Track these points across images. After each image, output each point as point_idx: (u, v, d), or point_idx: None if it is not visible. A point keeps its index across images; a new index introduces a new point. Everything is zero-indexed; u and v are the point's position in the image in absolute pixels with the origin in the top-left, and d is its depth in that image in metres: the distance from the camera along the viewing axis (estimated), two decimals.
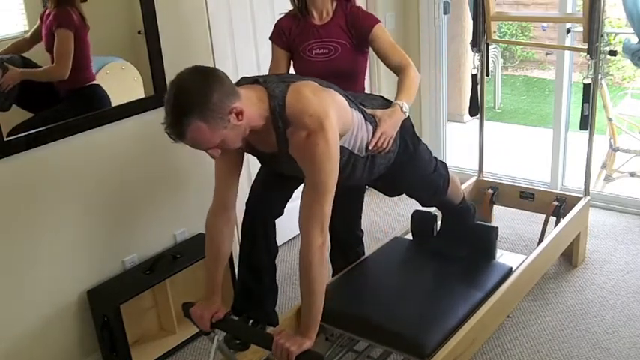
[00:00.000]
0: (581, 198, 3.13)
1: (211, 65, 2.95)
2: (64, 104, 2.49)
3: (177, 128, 1.65)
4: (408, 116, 2.27)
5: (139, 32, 2.65)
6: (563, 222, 2.96)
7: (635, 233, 3.47)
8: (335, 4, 2.46)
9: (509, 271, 2.52)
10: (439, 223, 2.83)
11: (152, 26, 2.65)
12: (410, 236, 2.90)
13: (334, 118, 1.82)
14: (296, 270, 2.50)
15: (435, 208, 2.86)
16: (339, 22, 2.44)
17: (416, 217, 2.84)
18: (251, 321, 2.50)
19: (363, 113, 2.10)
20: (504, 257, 2.76)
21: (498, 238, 3.53)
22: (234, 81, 1.80)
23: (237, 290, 2.56)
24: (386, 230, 3.72)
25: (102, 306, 2.57)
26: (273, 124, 1.82)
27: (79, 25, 2.42)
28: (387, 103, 2.27)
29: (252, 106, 1.77)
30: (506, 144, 5.24)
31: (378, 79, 3.95)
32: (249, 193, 2.47)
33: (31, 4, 2.37)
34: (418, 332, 2.13)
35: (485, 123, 3.47)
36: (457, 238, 2.70)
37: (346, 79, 2.40)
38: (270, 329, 2.41)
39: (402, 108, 2.20)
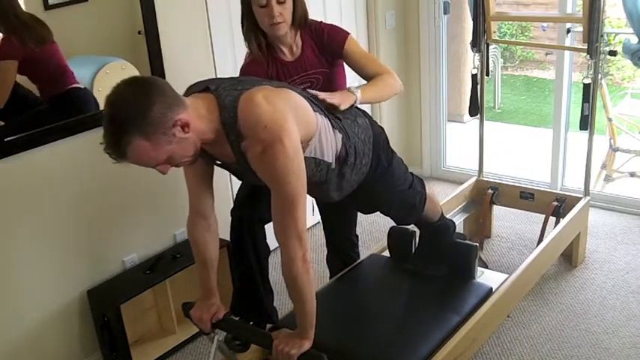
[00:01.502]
0: (581, 198, 3.12)
1: (211, 65, 2.96)
2: (46, 108, 2.47)
3: (116, 148, 1.52)
4: (383, 131, 2.19)
5: (139, 32, 2.65)
6: (563, 222, 2.96)
7: (635, 233, 3.47)
8: (299, 31, 2.28)
9: (489, 292, 2.41)
10: (417, 239, 2.68)
11: (152, 26, 2.65)
12: (387, 252, 2.78)
13: (292, 123, 1.68)
14: None
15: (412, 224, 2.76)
16: (311, 50, 2.29)
17: (393, 233, 2.71)
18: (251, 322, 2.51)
19: (331, 120, 1.95)
20: (485, 276, 2.64)
21: (498, 238, 3.53)
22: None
23: (234, 293, 2.56)
24: (386, 230, 3.71)
25: (102, 306, 2.57)
26: (227, 138, 1.68)
27: (28, 48, 2.34)
28: (360, 113, 2.14)
29: (200, 118, 1.64)
30: (506, 144, 5.23)
31: None
32: (234, 201, 2.45)
33: None
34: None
35: (485, 123, 3.46)
36: (435, 256, 2.57)
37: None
38: (269, 327, 2.42)
39: (354, 93, 2.07)
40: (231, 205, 2.49)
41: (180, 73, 2.71)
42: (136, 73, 2.66)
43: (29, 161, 2.35)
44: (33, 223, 2.40)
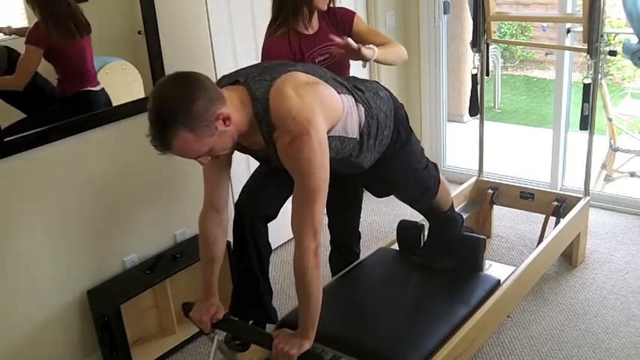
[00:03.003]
0: (581, 198, 3.12)
1: (211, 65, 2.96)
2: (59, 106, 2.48)
3: (162, 140, 1.61)
4: (402, 106, 2.27)
5: (139, 32, 2.65)
6: (563, 222, 2.96)
7: (635, 233, 3.47)
8: (315, 11, 2.40)
9: (497, 284, 2.44)
10: (426, 232, 2.72)
11: (152, 26, 2.65)
12: (396, 246, 2.80)
13: (319, 117, 1.75)
14: None
15: (421, 218, 2.78)
16: (327, 25, 2.43)
17: (402, 226, 2.74)
18: (251, 321, 2.50)
19: (354, 94, 2.01)
20: (493, 269, 2.65)
21: (498, 238, 3.53)
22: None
23: (234, 292, 2.56)
24: (386, 230, 3.72)
25: (102, 306, 2.57)
26: (259, 128, 1.76)
27: (54, 39, 2.36)
28: (381, 87, 2.23)
29: (236, 111, 1.71)
30: (506, 144, 5.24)
31: (378, 77, 3.95)
32: (239, 196, 2.46)
33: None
34: (397, 352, 2.05)
35: (486, 123, 3.46)
36: (444, 248, 2.60)
37: (338, 72, 2.35)
38: (269, 327, 2.41)
39: (373, 49, 2.22)
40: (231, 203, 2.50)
41: None
42: (136, 73, 2.66)
43: (30, 161, 2.35)
44: (33, 222, 2.40)
